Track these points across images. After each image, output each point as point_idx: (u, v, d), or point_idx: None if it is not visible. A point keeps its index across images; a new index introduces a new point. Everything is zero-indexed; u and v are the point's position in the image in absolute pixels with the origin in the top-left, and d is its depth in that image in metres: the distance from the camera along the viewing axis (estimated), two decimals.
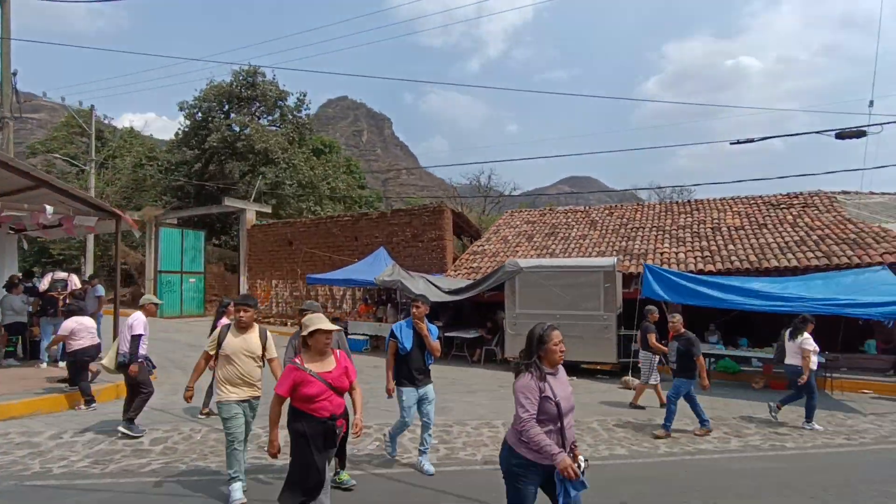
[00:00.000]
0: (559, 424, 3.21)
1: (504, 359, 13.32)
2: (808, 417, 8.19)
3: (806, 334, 8.46)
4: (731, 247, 14.29)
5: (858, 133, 11.23)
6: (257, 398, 5.09)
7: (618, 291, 12.55)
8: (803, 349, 8.33)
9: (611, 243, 16.42)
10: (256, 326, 5.25)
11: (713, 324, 13.58)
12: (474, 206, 49.01)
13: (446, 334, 14.23)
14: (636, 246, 15.75)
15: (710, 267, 13.37)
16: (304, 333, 4.05)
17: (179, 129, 32.05)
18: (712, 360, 12.64)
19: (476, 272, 16.25)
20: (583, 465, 3.24)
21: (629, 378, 11.18)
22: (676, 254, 14.54)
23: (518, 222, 20.45)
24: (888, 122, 11.25)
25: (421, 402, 5.77)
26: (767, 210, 16.80)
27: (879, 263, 11.54)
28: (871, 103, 11.35)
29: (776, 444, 7.21)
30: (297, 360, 4.01)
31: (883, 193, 17.64)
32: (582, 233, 17.95)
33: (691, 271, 13.14)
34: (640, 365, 9.74)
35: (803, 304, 9.88)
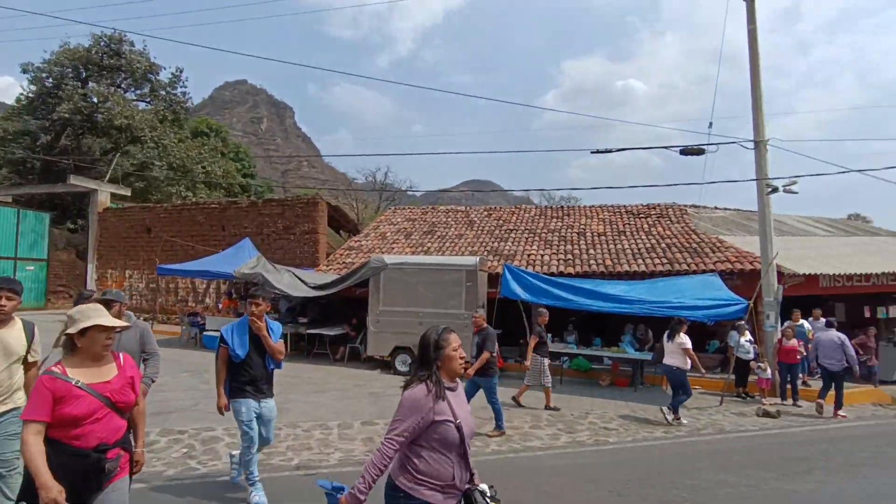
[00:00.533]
0: (462, 452, 2.57)
1: (368, 357, 12.94)
2: (674, 411, 8.78)
3: (682, 335, 8.97)
4: (591, 251, 15.04)
5: (698, 151, 12.22)
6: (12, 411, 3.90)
7: (480, 290, 12.66)
8: (683, 348, 8.85)
9: (484, 243, 16.66)
10: (18, 320, 4.31)
11: (571, 323, 14.20)
12: (370, 202, 48.30)
13: (308, 331, 13.57)
14: (507, 247, 16.11)
15: (570, 269, 13.95)
16: (72, 330, 2.89)
17: (22, 94, 27.99)
18: (566, 358, 13.18)
19: (349, 268, 15.70)
20: (488, 492, 2.67)
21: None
22: (542, 256, 15.03)
23: (399, 219, 20.20)
24: (724, 143, 12.36)
25: (262, 416, 4.73)
26: (628, 218, 17.98)
27: (712, 270, 12.66)
28: (711, 125, 12.26)
29: (600, 440, 7.49)
30: (55, 369, 2.84)
31: (725, 209, 19.61)
32: (459, 232, 18.07)
33: (552, 273, 13.63)
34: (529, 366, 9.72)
35: (642, 306, 10.53)
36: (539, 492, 5.33)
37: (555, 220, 18.52)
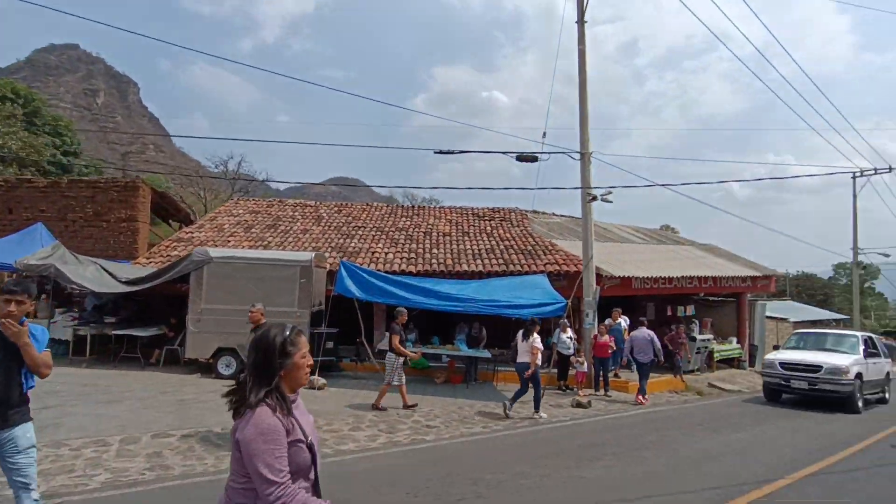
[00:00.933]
0: (313, 475, 2.09)
1: (189, 360, 11.66)
2: (536, 407, 9.14)
3: (535, 335, 9.28)
4: (434, 250, 15.21)
5: (532, 158, 12.91)
6: None
7: (317, 288, 12.10)
8: (533, 347, 9.12)
9: (329, 240, 16.07)
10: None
11: (411, 321, 14.20)
12: (221, 192, 44.62)
13: (114, 332, 11.88)
14: (353, 244, 15.69)
15: (411, 268, 13.94)
16: None
17: None
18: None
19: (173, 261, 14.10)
20: None
21: (314, 377, 10.72)
22: (386, 254, 14.86)
23: (241, 211, 18.74)
24: (555, 153, 13.21)
25: (4, 452, 3.48)
26: (474, 220, 18.58)
27: (542, 272, 13.46)
28: (545, 135, 13.04)
29: (417, 439, 7.41)
30: None
31: (562, 216, 21.18)
32: (305, 227, 17.25)
33: (394, 271, 13.51)
34: (385, 366, 9.36)
35: (473, 305, 10.78)
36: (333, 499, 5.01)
37: (404, 219, 18.51)
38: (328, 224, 17.67)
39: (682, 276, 15.80)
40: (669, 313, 16.89)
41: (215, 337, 11.10)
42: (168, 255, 14.75)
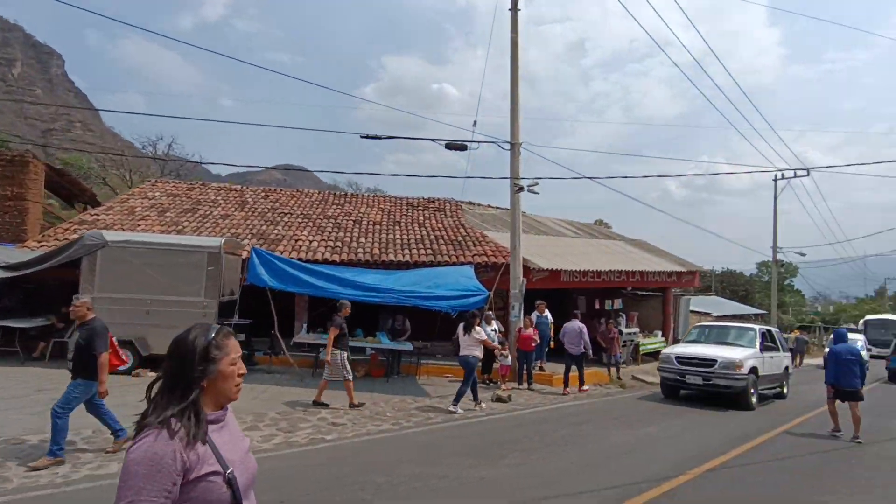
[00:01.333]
0: None
1: None
2: (455, 401, 8.96)
3: (477, 327, 9.34)
4: (362, 239, 14.64)
5: (461, 146, 12.57)
6: None
7: (229, 276, 11.30)
8: (479, 339, 9.22)
9: (251, 226, 15.17)
10: None
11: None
12: (150, 174, 41.96)
13: None
14: (276, 231, 14.87)
15: (335, 257, 13.32)
16: None
17: None
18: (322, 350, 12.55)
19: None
20: None
21: None
22: (310, 242, 14.15)
23: (157, 194, 17.44)
24: (485, 142, 12.92)
25: None
26: (407, 210, 18.11)
27: (470, 263, 13.17)
28: (475, 123, 12.71)
29: (317, 439, 6.90)
30: None
31: (497, 207, 21.03)
32: (226, 212, 16.24)
33: (315, 260, 12.87)
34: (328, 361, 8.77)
35: (392, 296, 10.34)
36: None
37: (335, 206, 17.81)
38: (252, 210, 16.72)
39: (611, 270, 15.95)
40: (597, 307, 17.06)
41: (109, 328, 10.11)
42: (66, 238, 13.44)
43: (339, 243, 14.21)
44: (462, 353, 9.33)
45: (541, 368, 13.22)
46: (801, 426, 9.49)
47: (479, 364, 12.34)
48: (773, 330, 13.49)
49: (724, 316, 26.43)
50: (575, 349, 11.70)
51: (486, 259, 13.62)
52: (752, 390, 10.71)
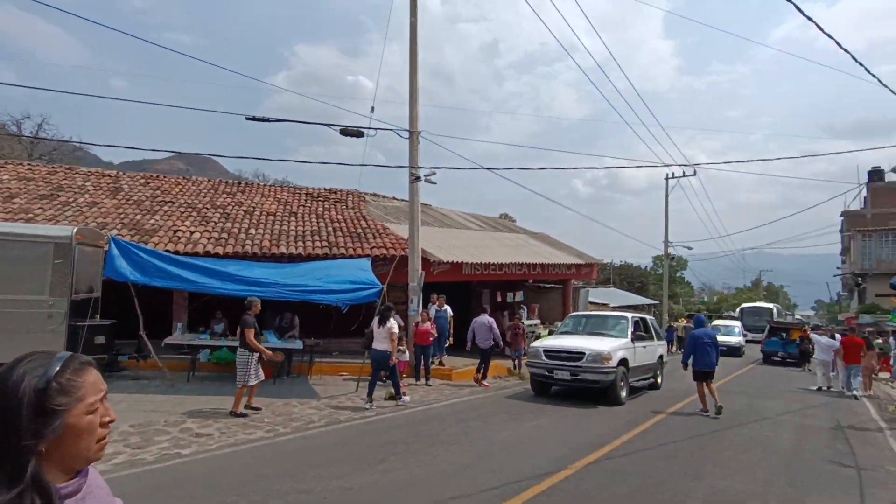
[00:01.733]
0: None
1: None
2: (397, 393, 9.11)
3: (391, 320, 9.04)
4: (252, 231, 13.57)
5: (357, 133, 11.91)
6: None
7: (87, 271, 9.91)
8: (392, 333, 8.94)
9: (122, 215, 13.56)
10: None
11: (220, 311, 12.50)
12: (14, 156, 37.06)
13: None
14: (152, 221, 13.40)
15: (219, 249, 12.21)
16: None
17: None
18: (208, 351, 11.50)
19: None
20: None
21: None
22: (192, 233, 12.88)
23: (6, 177, 15.16)
24: (382, 129, 12.34)
25: None
26: (306, 200, 17.15)
27: (368, 255, 12.58)
28: (373, 109, 12.13)
29: (170, 454, 6.04)
30: None
31: (402, 200, 20.53)
32: (94, 200, 14.43)
33: (196, 252, 11.72)
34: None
35: (276, 290, 9.55)
36: None
37: (226, 195, 16.47)
38: (127, 197, 15.01)
39: (512, 263, 16.01)
40: (499, 299, 17.11)
41: None
42: None
43: (225, 235, 13.05)
44: (375, 346, 9.15)
45: (440, 363, 12.94)
46: (671, 416, 9.81)
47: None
48: (648, 318, 12.99)
49: (626, 306, 27.80)
50: (485, 343, 11.69)
51: (384, 252, 13.09)
52: (622, 383, 10.07)
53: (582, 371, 9.82)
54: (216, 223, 13.80)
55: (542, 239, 20.99)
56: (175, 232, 12.75)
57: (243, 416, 7.86)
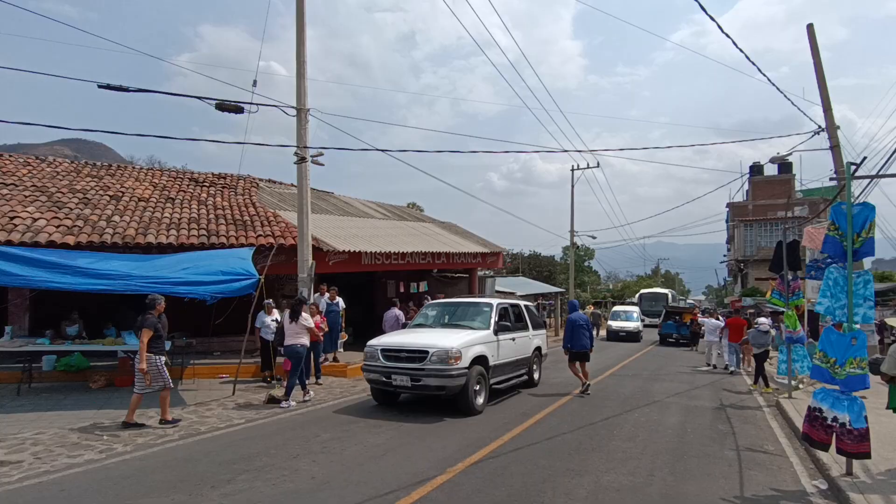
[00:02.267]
0: None
1: None
2: (287, 395, 8.68)
3: (304, 314, 8.89)
4: (116, 218, 11.90)
5: (236, 108, 10.69)
6: None
7: None
8: (306, 327, 8.83)
9: None
10: None
11: (76, 312, 10.87)
12: None
13: None
14: None
15: (70, 239, 10.54)
16: None
17: None
18: (54, 356, 9.95)
19: None
20: None
21: None
22: (35, 220, 11.03)
23: None
24: (265, 105, 11.18)
25: None
26: (188, 186, 15.52)
27: (252, 245, 11.42)
28: (255, 83, 10.91)
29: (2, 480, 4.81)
30: None
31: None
32: None
33: (37, 243, 10.03)
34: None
35: (127, 283, 8.27)
36: None
37: (89, 178, 14.46)
38: None
39: (415, 252, 15.40)
40: (402, 290, 16.48)
41: None
42: None
43: (80, 222, 11.32)
44: (288, 342, 8.79)
45: (334, 359, 12.10)
46: (562, 407, 9.67)
47: (260, 360, 10.86)
48: (522, 304, 10.96)
49: (534, 295, 28.16)
50: None
51: (272, 240, 11.97)
52: (478, 387, 8.13)
53: (424, 375, 7.74)
54: (70, 210, 11.96)
55: (449, 228, 20.58)
56: (12, 220, 10.83)
57: (176, 421, 7.35)
